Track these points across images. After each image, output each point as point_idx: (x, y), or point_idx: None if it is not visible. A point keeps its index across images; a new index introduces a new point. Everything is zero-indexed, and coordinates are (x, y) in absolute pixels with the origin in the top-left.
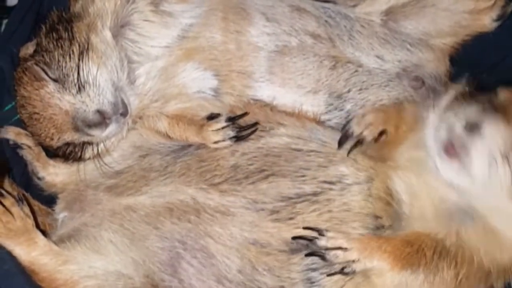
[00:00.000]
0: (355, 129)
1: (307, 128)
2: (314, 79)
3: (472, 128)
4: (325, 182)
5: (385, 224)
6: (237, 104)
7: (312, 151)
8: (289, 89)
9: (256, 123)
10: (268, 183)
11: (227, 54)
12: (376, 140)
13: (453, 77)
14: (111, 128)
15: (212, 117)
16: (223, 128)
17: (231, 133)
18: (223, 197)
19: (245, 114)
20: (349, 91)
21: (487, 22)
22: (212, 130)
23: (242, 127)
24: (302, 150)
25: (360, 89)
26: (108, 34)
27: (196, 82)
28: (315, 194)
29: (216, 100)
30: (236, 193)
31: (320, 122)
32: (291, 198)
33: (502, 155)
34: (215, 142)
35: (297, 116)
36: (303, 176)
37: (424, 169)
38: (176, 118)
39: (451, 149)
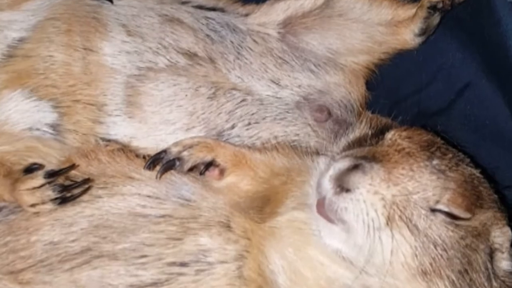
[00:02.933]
0: (172, 148)
1: (168, 182)
2: (187, 112)
3: (342, 188)
4: (173, 264)
5: None
6: (83, 146)
7: (163, 216)
8: (152, 126)
9: (87, 180)
10: (90, 270)
11: (70, 79)
12: (203, 172)
13: (369, 105)
14: None
15: (31, 169)
16: (41, 186)
17: (51, 194)
18: None
19: (72, 167)
20: (233, 126)
21: (408, 37)
22: (27, 189)
23: (71, 184)
24: (149, 215)
25: (248, 124)
26: None
27: (28, 116)
28: (157, 283)
29: (55, 141)
30: (43, 287)
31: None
32: None
33: (381, 217)
34: (32, 206)
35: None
36: (143, 256)
37: (307, 237)
38: None
39: (321, 210)
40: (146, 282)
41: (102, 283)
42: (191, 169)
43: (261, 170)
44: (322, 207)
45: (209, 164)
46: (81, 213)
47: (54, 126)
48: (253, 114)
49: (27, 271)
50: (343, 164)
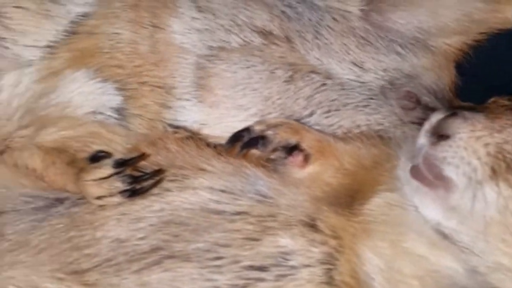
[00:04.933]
0: (256, 126)
1: (242, 176)
2: (262, 97)
3: (440, 136)
4: (251, 267)
5: None
6: (150, 132)
7: (239, 213)
8: (224, 112)
9: (159, 171)
10: (161, 272)
11: (137, 59)
12: (288, 156)
13: (460, 92)
14: None
15: (97, 157)
16: (109, 176)
17: (120, 186)
18: None
19: (143, 156)
20: (311, 114)
21: (511, 14)
22: (93, 180)
23: (140, 175)
24: (224, 212)
25: (328, 111)
26: None
27: (92, 99)
28: None
29: (120, 126)
30: None
31: (266, 165)
32: None
33: (485, 168)
34: (99, 198)
35: (234, 155)
36: (218, 258)
37: (402, 224)
38: (53, 154)
39: (418, 172)
40: None
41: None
42: (273, 151)
43: (346, 161)
44: (416, 173)
45: (293, 148)
46: (150, 207)
47: (118, 110)
48: (333, 100)
49: (93, 271)
50: (440, 114)
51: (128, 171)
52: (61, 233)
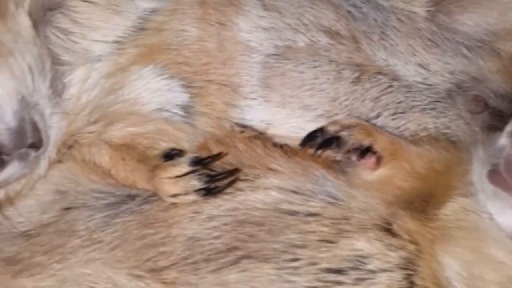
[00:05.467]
0: (330, 127)
1: (311, 177)
2: (329, 98)
3: None
4: (329, 270)
5: None
6: (216, 131)
7: (313, 214)
8: (291, 112)
9: (236, 170)
10: (238, 272)
11: (205, 57)
12: (360, 158)
13: None
14: (12, 168)
15: (170, 154)
16: (186, 174)
17: (197, 185)
18: None
19: (220, 155)
20: (378, 115)
21: None
22: (169, 178)
23: (217, 174)
24: (297, 213)
25: (394, 114)
26: (24, 20)
27: (158, 96)
28: None
29: (186, 124)
30: None
31: (333, 166)
32: None
33: None
34: (173, 196)
35: (301, 155)
36: (295, 259)
37: (480, 230)
38: (122, 150)
39: (497, 176)
40: None
41: None
42: (346, 153)
43: (418, 164)
44: (495, 177)
45: (366, 150)
46: (222, 206)
47: (185, 108)
48: (400, 102)
49: (170, 269)
50: None
51: (205, 170)
52: (134, 230)
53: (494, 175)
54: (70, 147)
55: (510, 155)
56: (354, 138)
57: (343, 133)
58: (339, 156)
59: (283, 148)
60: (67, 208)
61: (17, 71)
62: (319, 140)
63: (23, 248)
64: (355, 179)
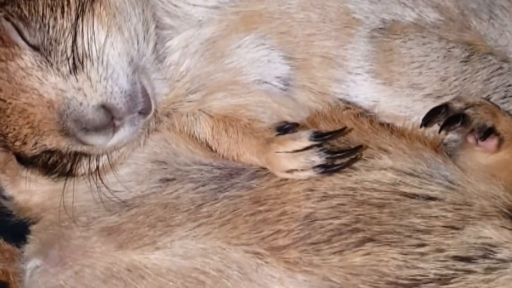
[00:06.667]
0: (455, 104)
1: (422, 159)
2: (438, 77)
3: None
4: (457, 258)
5: None
6: (318, 106)
7: (433, 198)
8: (398, 90)
9: (359, 147)
10: (363, 255)
11: (308, 27)
12: (484, 138)
13: None
14: (123, 133)
15: (285, 128)
16: (305, 149)
17: (317, 160)
18: (291, 273)
19: (342, 131)
20: (488, 98)
21: None
22: (287, 152)
23: (337, 151)
24: (417, 196)
25: (504, 97)
26: None
27: (258, 66)
28: (442, 279)
29: (286, 97)
30: (312, 269)
31: (441, 149)
32: (403, 285)
33: None
34: (289, 171)
35: (409, 136)
36: (420, 245)
37: None
38: (225, 121)
39: None
40: (429, 277)
41: (378, 273)
42: (470, 132)
43: None
44: None
45: (489, 131)
46: (338, 185)
47: (285, 80)
48: (510, 85)
49: (292, 248)
50: None
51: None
52: (245, 205)
53: None
54: (168, 115)
55: None
56: (479, 117)
57: (469, 111)
58: (448, 138)
59: (389, 127)
60: (168, 180)
61: (126, 32)
62: (443, 117)
63: (125, 219)
64: (468, 162)
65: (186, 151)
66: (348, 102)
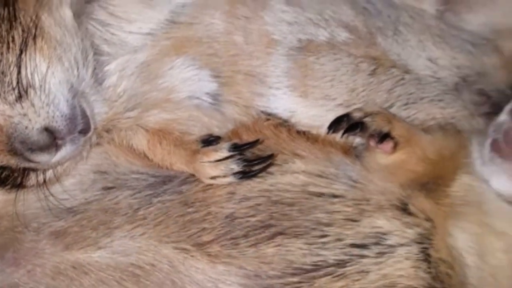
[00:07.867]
0: (355, 113)
1: (333, 161)
2: (348, 88)
3: None
4: (354, 245)
5: None
6: (243, 118)
7: (337, 196)
8: (313, 101)
9: (271, 155)
10: (274, 247)
11: (232, 49)
12: (381, 141)
13: None
14: (65, 151)
15: (209, 140)
16: (225, 159)
17: (235, 168)
18: (213, 264)
19: (257, 142)
20: (391, 106)
21: None
22: (210, 162)
23: (254, 159)
24: (323, 194)
25: (406, 104)
26: (67, 13)
27: (188, 85)
28: (340, 264)
29: (215, 111)
30: (230, 260)
31: (350, 152)
32: (307, 270)
33: None
34: (213, 178)
35: (322, 142)
36: (323, 235)
37: (483, 202)
38: (159, 135)
39: (497, 145)
40: (329, 262)
41: (286, 261)
42: (369, 137)
43: (429, 150)
44: (495, 146)
45: (385, 136)
46: (255, 188)
47: (213, 96)
48: (411, 94)
49: (214, 243)
50: None
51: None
52: (175, 208)
53: (494, 144)
54: (108, 130)
55: (509, 127)
56: (376, 124)
57: (367, 119)
58: (356, 142)
59: (305, 134)
60: (109, 188)
61: (66, 61)
62: (345, 125)
63: (71, 223)
64: (371, 163)
65: (125, 162)
66: (269, 114)
